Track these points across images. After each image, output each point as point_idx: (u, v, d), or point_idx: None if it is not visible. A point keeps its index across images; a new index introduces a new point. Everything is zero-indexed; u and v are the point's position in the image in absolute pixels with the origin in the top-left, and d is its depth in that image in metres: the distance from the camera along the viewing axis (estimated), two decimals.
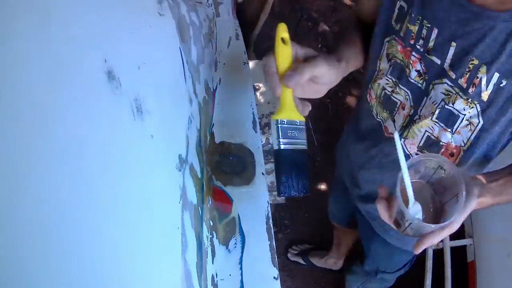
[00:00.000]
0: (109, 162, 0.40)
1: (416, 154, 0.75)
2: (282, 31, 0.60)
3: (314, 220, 1.85)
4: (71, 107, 0.36)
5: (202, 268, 0.61)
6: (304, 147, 0.61)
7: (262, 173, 0.83)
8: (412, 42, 0.68)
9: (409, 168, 0.55)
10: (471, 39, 0.61)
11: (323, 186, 1.92)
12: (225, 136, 0.86)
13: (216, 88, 0.92)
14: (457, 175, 0.54)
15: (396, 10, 0.70)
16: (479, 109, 0.63)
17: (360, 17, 0.83)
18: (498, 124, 0.64)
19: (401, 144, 0.76)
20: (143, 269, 0.43)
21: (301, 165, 0.61)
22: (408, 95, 0.73)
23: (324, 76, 0.61)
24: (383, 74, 0.76)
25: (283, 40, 0.60)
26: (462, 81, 0.63)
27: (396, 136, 0.56)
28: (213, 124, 0.87)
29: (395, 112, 0.77)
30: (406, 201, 0.55)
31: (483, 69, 0.61)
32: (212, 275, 0.65)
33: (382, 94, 0.78)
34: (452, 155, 0.71)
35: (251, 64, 1.22)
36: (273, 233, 0.75)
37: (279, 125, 0.59)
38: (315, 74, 0.59)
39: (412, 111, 0.73)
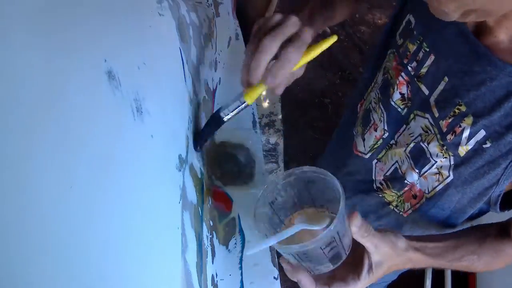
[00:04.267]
0: (108, 162, 0.40)
1: (381, 183, 0.69)
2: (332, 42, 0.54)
3: None
4: (70, 107, 0.36)
5: (202, 268, 0.61)
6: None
7: (262, 173, 0.83)
8: (405, 61, 0.60)
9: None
10: (465, 81, 0.52)
11: None
12: (225, 136, 0.86)
13: (216, 88, 0.92)
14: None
15: (404, 23, 0.62)
16: (452, 163, 0.55)
17: None
18: (470, 188, 0.56)
19: (373, 166, 0.70)
20: (143, 269, 0.43)
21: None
22: (383, 117, 0.65)
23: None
24: (377, 87, 0.69)
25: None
26: (443, 124, 0.55)
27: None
28: None
29: (366, 130, 0.70)
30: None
31: (469, 119, 0.52)
32: (212, 275, 0.65)
33: (367, 107, 0.71)
34: (415, 197, 0.64)
35: None
36: None
37: (242, 105, 0.58)
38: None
39: (387, 134, 0.66)
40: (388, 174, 0.67)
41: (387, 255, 0.47)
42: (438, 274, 1.46)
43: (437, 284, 1.45)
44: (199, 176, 0.69)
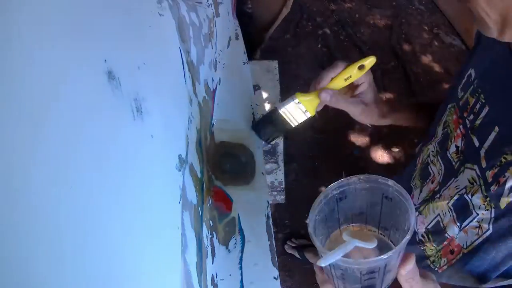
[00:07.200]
0: (108, 162, 0.40)
1: (422, 236, 0.69)
2: (369, 62, 0.66)
3: None
4: (70, 107, 0.36)
5: (202, 268, 0.61)
6: (291, 125, 0.75)
7: (262, 173, 0.83)
8: (465, 114, 0.61)
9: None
10: None
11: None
12: (225, 136, 0.86)
13: (216, 88, 0.92)
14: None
15: (465, 78, 0.63)
16: (492, 215, 0.55)
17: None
18: (505, 244, 0.55)
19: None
20: (143, 269, 0.43)
21: (279, 130, 0.79)
22: (442, 170, 0.66)
23: (355, 116, 0.72)
24: (435, 140, 0.70)
25: (360, 67, 0.66)
26: (489, 174, 0.54)
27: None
28: (213, 124, 0.87)
29: (425, 183, 0.70)
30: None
31: None
32: (212, 275, 0.65)
33: (425, 161, 0.71)
34: (452, 252, 0.63)
35: (251, 64, 1.22)
36: (273, 233, 0.75)
37: (293, 100, 0.73)
38: (345, 109, 0.69)
39: (438, 187, 0.66)
40: (430, 227, 0.67)
41: None
42: None
43: None
44: (199, 176, 0.69)
